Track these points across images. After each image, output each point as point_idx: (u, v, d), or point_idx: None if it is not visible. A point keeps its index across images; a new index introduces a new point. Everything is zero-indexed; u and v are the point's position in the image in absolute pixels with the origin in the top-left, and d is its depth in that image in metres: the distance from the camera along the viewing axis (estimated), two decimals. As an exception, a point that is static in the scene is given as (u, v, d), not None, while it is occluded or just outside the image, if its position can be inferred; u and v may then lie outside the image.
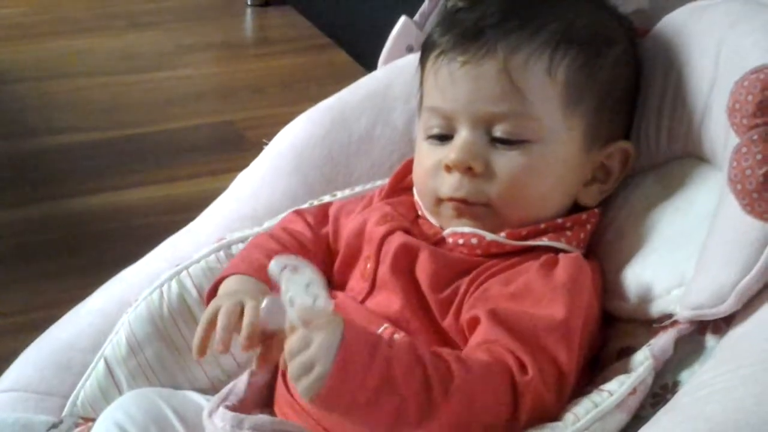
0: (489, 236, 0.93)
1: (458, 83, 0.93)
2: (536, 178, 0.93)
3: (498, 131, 0.92)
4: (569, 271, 0.88)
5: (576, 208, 0.97)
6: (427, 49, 0.98)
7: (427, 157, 0.96)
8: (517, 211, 0.93)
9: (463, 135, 0.93)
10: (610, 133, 0.96)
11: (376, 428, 0.80)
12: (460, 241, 0.93)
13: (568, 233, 0.94)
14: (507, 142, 0.92)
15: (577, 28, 0.94)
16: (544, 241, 0.93)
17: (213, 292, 0.98)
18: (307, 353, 0.76)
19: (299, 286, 0.77)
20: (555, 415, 0.84)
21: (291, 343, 0.78)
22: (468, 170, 0.92)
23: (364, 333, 0.80)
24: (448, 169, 0.93)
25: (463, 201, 0.93)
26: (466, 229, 0.93)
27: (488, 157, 0.92)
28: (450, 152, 0.93)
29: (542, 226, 0.93)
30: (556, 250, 0.93)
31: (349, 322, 0.79)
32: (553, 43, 0.93)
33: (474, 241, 0.93)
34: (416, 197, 1.00)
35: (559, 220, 0.94)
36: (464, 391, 0.80)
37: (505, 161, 0.92)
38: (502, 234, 0.93)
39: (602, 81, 0.95)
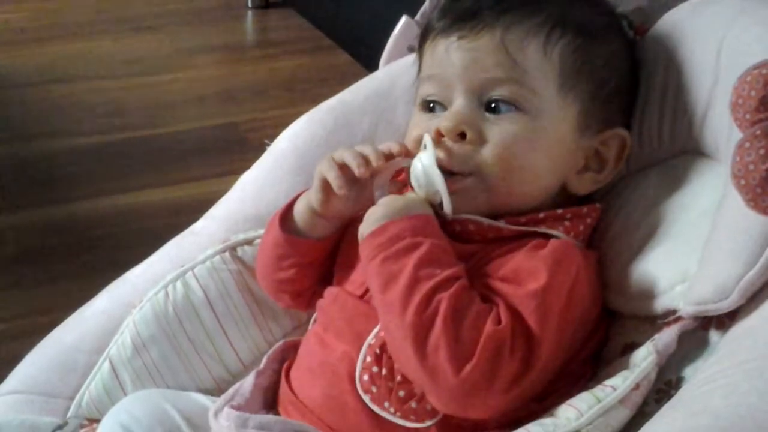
0: (486, 221, 0.93)
1: (454, 54, 0.95)
2: (526, 150, 0.92)
3: (494, 95, 0.93)
4: (552, 252, 0.89)
5: (573, 199, 0.97)
6: (424, 34, 1.00)
7: (418, 126, 0.97)
8: (505, 183, 0.93)
9: (457, 103, 0.94)
10: (605, 120, 0.97)
11: (379, 284, 0.87)
12: (458, 228, 0.93)
13: (567, 223, 0.94)
14: (500, 111, 0.93)
15: (572, 15, 0.95)
16: (542, 229, 0.93)
17: (283, 218, 1.00)
18: (385, 203, 0.91)
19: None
20: (520, 389, 0.84)
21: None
22: (460, 137, 0.93)
23: (433, 224, 0.90)
24: (440, 136, 0.93)
25: (449, 172, 0.92)
26: (463, 216, 0.93)
27: (481, 125, 0.93)
28: (443, 120, 0.93)
29: (541, 215, 0.93)
30: (552, 238, 0.93)
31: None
32: (550, 23, 0.94)
33: (471, 227, 0.93)
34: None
35: (559, 211, 0.94)
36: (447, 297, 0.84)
37: (498, 129, 0.92)
38: (501, 221, 0.93)
39: (597, 68, 0.95)
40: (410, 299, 0.84)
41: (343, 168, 0.94)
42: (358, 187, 0.95)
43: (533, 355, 0.84)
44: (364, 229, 0.90)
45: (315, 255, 1.01)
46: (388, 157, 0.94)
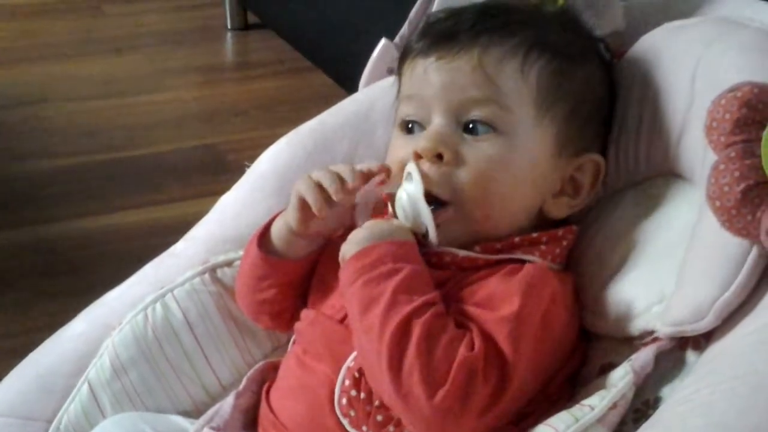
0: (462, 253, 0.93)
1: (433, 74, 0.95)
2: (504, 172, 0.93)
3: (471, 115, 0.93)
4: (525, 276, 0.89)
5: (548, 222, 0.97)
6: (403, 56, 1.01)
7: (398, 148, 0.97)
8: (482, 207, 0.93)
9: (435, 124, 0.94)
10: (581, 145, 0.97)
11: (359, 308, 0.87)
12: (434, 260, 0.93)
13: (543, 247, 0.94)
14: (478, 132, 0.93)
15: (549, 38, 0.96)
16: (517, 255, 0.93)
17: (261, 239, 1.01)
18: (367, 227, 0.91)
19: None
20: (494, 413, 0.84)
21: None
22: (437, 157, 0.93)
23: (414, 250, 0.91)
24: (418, 157, 0.93)
25: (427, 193, 0.93)
26: (440, 248, 0.93)
27: (458, 146, 0.93)
28: (421, 140, 0.94)
29: (516, 239, 0.94)
30: (527, 262, 0.93)
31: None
32: (527, 45, 0.94)
33: (447, 258, 0.93)
34: (389, 208, 1.00)
35: (534, 235, 0.95)
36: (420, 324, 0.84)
37: (475, 151, 0.93)
38: (477, 248, 0.93)
39: (574, 91, 0.96)
40: (387, 324, 0.84)
41: (321, 189, 0.94)
42: (337, 207, 0.95)
43: (507, 379, 0.84)
44: (347, 251, 0.91)
45: (294, 275, 1.01)
46: (366, 177, 0.95)
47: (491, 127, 0.93)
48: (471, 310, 0.88)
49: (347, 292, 0.89)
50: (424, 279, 0.89)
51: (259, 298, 1.02)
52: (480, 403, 0.83)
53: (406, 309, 0.85)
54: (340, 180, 0.94)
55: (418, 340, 0.83)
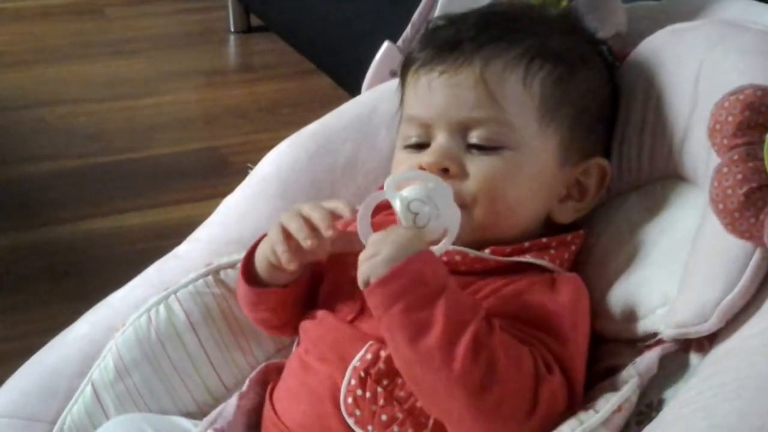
0: (472, 253, 0.93)
1: (436, 91, 0.95)
2: (509, 184, 0.93)
3: (474, 137, 0.93)
4: (571, 294, 0.89)
5: (556, 227, 0.98)
6: (407, 64, 1.01)
7: (403, 165, 0.97)
8: (488, 217, 0.93)
9: (439, 140, 0.94)
10: (586, 150, 0.97)
11: (407, 336, 0.83)
12: (444, 259, 0.93)
13: (552, 252, 0.94)
14: (482, 148, 0.93)
15: (552, 45, 0.96)
16: (527, 258, 0.93)
17: (247, 266, 0.99)
18: (387, 240, 0.84)
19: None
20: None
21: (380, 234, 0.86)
22: (443, 171, 0.93)
23: (438, 259, 0.86)
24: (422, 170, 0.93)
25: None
26: (450, 247, 0.93)
27: (463, 160, 0.93)
28: (426, 156, 0.94)
29: (526, 244, 0.94)
30: (541, 268, 0.94)
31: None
32: (529, 55, 0.94)
33: (457, 258, 0.93)
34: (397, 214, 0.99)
35: (544, 240, 0.95)
36: (493, 350, 0.82)
37: (480, 164, 0.93)
38: (486, 251, 0.93)
39: (577, 97, 0.96)
40: (453, 349, 0.81)
41: (290, 237, 0.92)
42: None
43: (575, 400, 0.86)
44: (370, 273, 0.84)
45: (285, 299, 1.00)
46: (335, 217, 0.92)
47: (495, 143, 0.93)
48: (526, 329, 0.87)
49: (383, 318, 0.84)
50: (464, 293, 0.87)
51: (257, 317, 1.02)
52: (554, 423, 0.84)
53: (469, 329, 0.82)
54: (311, 226, 0.91)
55: (494, 360, 0.82)
